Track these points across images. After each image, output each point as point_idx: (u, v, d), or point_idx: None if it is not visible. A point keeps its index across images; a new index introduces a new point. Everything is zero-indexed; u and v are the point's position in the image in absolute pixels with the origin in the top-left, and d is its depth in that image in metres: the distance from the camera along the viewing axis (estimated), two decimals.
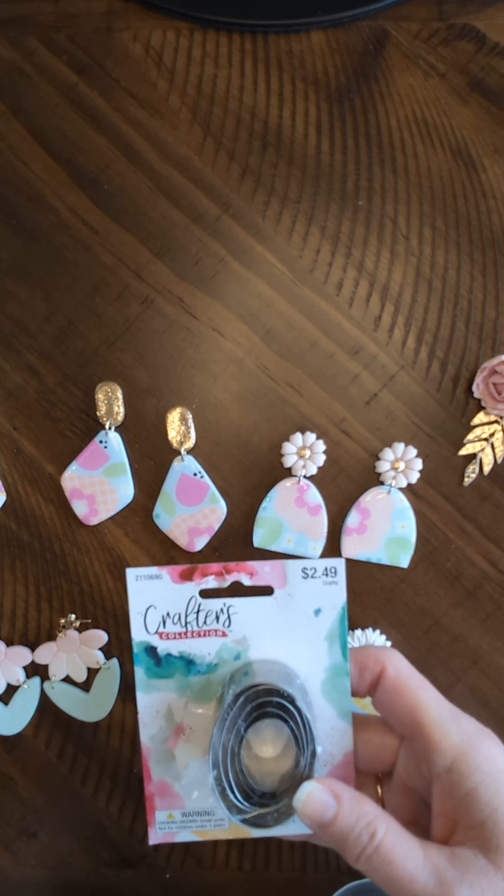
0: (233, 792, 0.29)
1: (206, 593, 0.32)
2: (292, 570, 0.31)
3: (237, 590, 0.32)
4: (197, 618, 0.31)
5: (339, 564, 0.31)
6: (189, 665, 0.31)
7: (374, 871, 0.26)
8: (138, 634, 0.31)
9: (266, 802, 0.29)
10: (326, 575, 0.31)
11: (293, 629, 0.31)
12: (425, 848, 0.27)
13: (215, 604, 0.31)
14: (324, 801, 0.27)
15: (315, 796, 0.28)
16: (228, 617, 0.31)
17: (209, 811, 0.31)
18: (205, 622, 0.31)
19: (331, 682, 0.31)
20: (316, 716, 0.31)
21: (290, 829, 0.29)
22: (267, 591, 0.31)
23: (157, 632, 0.31)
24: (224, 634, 0.31)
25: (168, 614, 0.31)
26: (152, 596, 0.31)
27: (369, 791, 0.32)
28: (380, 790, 0.32)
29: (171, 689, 0.31)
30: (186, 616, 0.31)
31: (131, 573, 0.31)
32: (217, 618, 0.31)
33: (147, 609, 0.31)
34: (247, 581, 0.31)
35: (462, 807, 0.27)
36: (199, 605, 0.31)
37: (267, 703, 0.29)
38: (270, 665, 0.31)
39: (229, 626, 0.31)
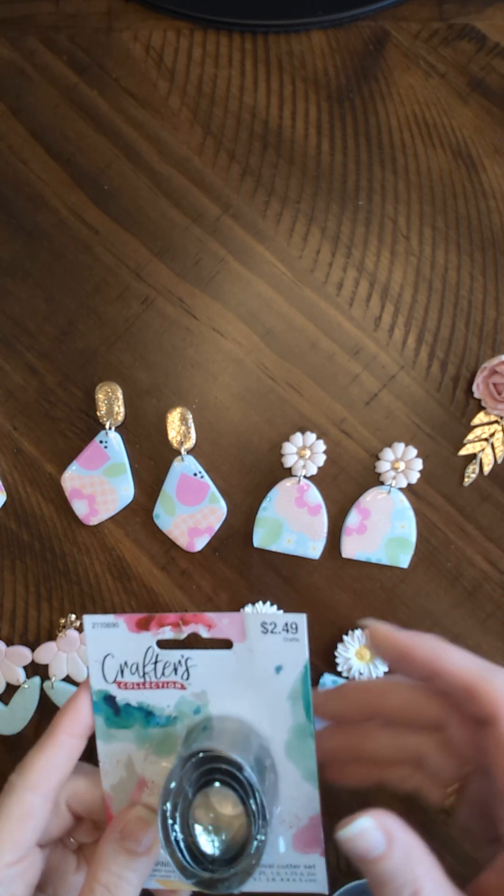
0: (182, 855, 0.28)
1: (164, 644, 0.31)
2: (251, 625, 0.30)
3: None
4: (155, 668, 0.30)
5: (299, 620, 0.29)
6: (148, 716, 0.30)
7: None
8: (97, 683, 0.30)
9: (216, 869, 0.27)
10: (287, 631, 0.29)
11: (254, 686, 0.30)
12: None
13: (173, 655, 0.30)
14: (375, 840, 0.26)
15: (367, 836, 0.26)
16: (187, 669, 0.30)
17: None
18: (163, 673, 0.30)
19: (294, 743, 0.30)
20: (280, 777, 0.30)
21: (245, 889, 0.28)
22: (227, 643, 0.30)
23: (115, 681, 0.30)
24: (183, 687, 0.30)
25: (126, 664, 0.30)
26: (109, 644, 0.30)
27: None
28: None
29: (130, 740, 0.31)
30: (144, 666, 0.30)
31: (88, 620, 0.30)
32: (175, 670, 0.30)
33: (105, 657, 0.30)
34: (204, 633, 0.30)
35: None
36: (157, 656, 0.30)
37: (215, 769, 0.28)
38: (231, 723, 0.30)
39: (188, 678, 0.30)
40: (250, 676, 0.30)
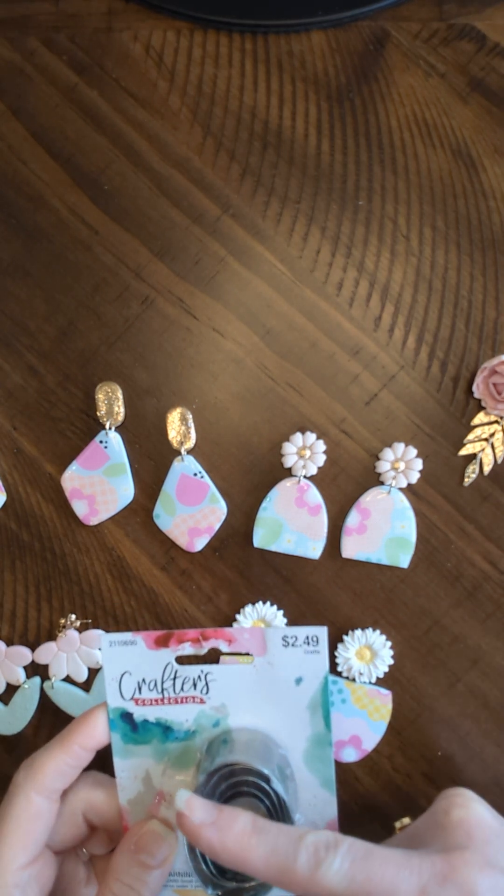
0: (207, 866, 0.28)
1: (182, 659, 0.31)
2: (272, 639, 0.30)
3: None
4: (174, 684, 0.30)
5: (321, 633, 0.30)
6: (166, 731, 0.31)
7: None
8: (113, 700, 0.30)
9: (242, 877, 0.28)
10: (308, 643, 0.30)
11: (274, 698, 0.30)
12: None
13: (192, 670, 0.30)
14: None
15: None
16: (206, 684, 0.30)
17: (191, 872, 0.30)
18: (182, 689, 0.30)
19: (313, 751, 0.30)
20: (298, 785, 0.30)
21: None
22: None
23: (132, 698, 0.30)
24: (202, 701, 0.30)
25: (143, 680, 0.30)
26: (127, 662, 0.30)
27: None
28: None
29: (148, 755, 0.31)
30: (163, 682, 0.30)
31: (105, 639, 0.30)
32: (195, 685, 0.30)
33: (122, 675, 0.30)
34: (225, 648, 0.30)
35: None
36: (176, 672, 0.30)
37: (242, 782, 0.28)
38: (250, 734, 0.30)
39: (207, 693, 0.30)
40: (270, 688, 0.30)
